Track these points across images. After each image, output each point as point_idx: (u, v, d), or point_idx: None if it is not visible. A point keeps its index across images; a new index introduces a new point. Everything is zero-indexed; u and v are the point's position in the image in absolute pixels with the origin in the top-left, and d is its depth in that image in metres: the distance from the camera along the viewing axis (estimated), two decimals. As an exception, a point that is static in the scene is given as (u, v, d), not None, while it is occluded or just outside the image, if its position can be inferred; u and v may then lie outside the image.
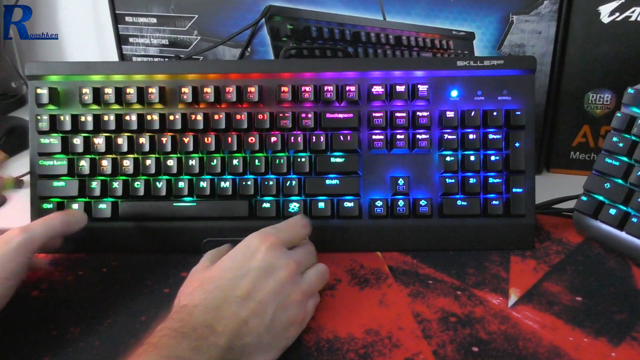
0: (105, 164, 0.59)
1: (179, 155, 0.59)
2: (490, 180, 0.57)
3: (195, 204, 0.58)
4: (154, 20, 0.79)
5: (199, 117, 0.58)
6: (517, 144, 0.57)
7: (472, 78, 0.58)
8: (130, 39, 0.81)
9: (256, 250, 0.46)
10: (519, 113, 0.57)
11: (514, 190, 0.57)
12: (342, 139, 0.58)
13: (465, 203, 0.57)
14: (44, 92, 0.59)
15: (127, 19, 0.79)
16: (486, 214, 0.58)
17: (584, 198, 0.58)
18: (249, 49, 0.78)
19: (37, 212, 0.59)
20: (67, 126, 0.59)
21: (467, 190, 0.57)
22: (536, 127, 0.61)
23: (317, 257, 0.51)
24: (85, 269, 0.57)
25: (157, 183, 0.59)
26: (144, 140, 0.59)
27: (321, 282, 0.49)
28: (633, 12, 0.65)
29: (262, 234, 0.48)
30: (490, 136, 0.57)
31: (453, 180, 0.57)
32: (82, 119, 0.59)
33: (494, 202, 0.57)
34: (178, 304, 0.44)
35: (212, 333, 0.40)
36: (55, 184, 0.59)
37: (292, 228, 0.50)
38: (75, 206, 0.59)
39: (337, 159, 0.58)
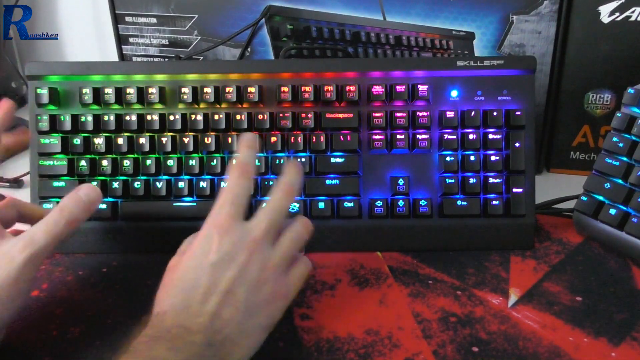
0: (105, 163, 0.59)
1: (179, 155, 0.59)
2: (490, 180, 0.57)
3: (195, 204, 0.58)
4: (154, 20, 0.79)
5: (199, 117, 0.58)
6: (517, 144, 0.57)
7: (472, 78, 0.58)
8: (130, 39, 0.81)
9: (210, 241, 0.43)
10: (519, 113, 0.57)
11: (514, 190, 0.57)
12: (342, 139, 0.58)
13: (465, 203, 0.57)
14: (44, 92, 0.59)
15: (127, 19, 0.79)
16: (486, 214, 0.58)
17: (584, 198, 0.58)
18: (249, 49, 0.78)
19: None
20: (67, 126, 0.59)
21: (467, 190, 0.57)
22: (536, 127, 0.61)
23: (306, 231, 0.47)
24: (85, 269, 0.57)
25: (157, 183, 0.59)
26: (144, 140, 0.59)
27: (298, 244, 0.46)
28: (633, 12, 0.65)
29: (214, 218, 0.44)
30: (490, 136, 0.57)
31: (453, 180, 0.57)
32: (82, 119, 0.59)
33: (494, 202, 0.57)
34: (152, 312, 0.42)
35: (187, 332, 0.39)
36: (55, 184, 0.59)
37: (233, 189, 0.45)
38: None
39: (337, 159, 0.58)
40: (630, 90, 0.56)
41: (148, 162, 0.58)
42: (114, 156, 0.59)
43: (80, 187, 0.48)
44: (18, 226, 0.52)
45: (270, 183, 0.58)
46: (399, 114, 0.58)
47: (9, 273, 0.43)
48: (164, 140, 0.58)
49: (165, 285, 0.43)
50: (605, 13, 0.65)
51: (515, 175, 0.57)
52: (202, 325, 0.40)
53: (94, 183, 0.59)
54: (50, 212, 0.46)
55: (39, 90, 0.59)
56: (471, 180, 0.57)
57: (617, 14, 0.65)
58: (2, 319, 0.43)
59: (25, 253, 0.43)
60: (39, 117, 0.59)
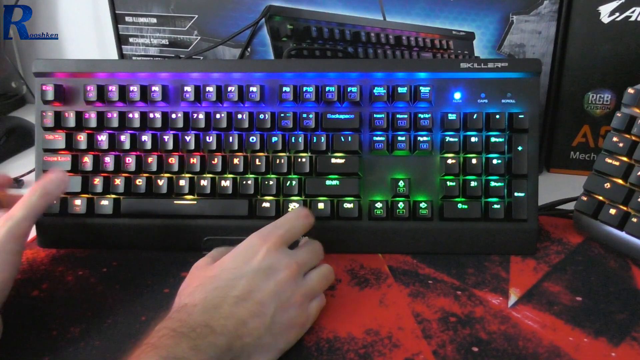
0: (108, 160, 0.59)
1: (180, 153, 0.59)
2: (492, 183, 0.57)
3: (195, 202, 0.58)
4: (154, 20, 0.79)
5: (201, 116, 0.58)
6: (519, 148, 0.57)
7: (475, 80, 0.58)
8: (130, 39, 0.81)
9: (257, 250, 0.46)
10: (522, 116, 0.57)
11: (515, 194, 0.57)
12: (343, 139, 0.58)
13: (466, 206, 0.57)
14: (49, 89, 0.59)
15: (127, 19, 0.79)
16: (487, 218, 0.57)
17: (584, 198, 0.58)
18: (249, 49, 0.78)
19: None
20: (72, 123, 0.59)
21: (468, 193, 0.57)
22: (536, 127, 0.61)
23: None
24: (85, 269, 0.57)
25: (159, 181, 0.59)
26: (146, 138, 0.59)
27: (324, 284, 0.49)
28: (633, 12, 0.65)
29: (264, 233, 0.48)
30: (493, 139, 0.57)
31: (454, 183, 0.57)
32: (86, 115, 0.59)
33: (495, 206, 0.57)
34: (179, 303, 0.44)
35: (211, 333, 0.40)
36: None
37: (292, 222, 0.50)
38: (77, 202, 0.59)
39: (337, 160, 0.58)
40: (630, 90, 0.57)
41: (150, 159, 0.59)
42: (117, 153, 0.59)
43: (50, 169, 0.54)
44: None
45: (270, 183, 0.58)
46: (400, 116, 0.57)
47: None
48: (166, 138, 0.59)
49: (198, 279, 0.45)
50: (605, 13, 0.66)
51: (518, 179, 0.57)
52: (227, 329, 0.41)
53: (97, 180, 0.59)
54: (25, 194, 0.50)
55: (44, 87, 0.59)
56: (472, 184, 0.57)
57: (617, 14, 0.65)
58: None
59: (6, 226, 0.47)
60: (44, 114, 0.59)
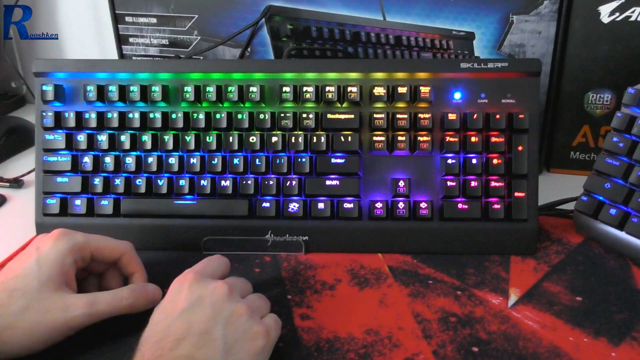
0: (108, 160, 0.59)
1: (180, 153, 0.59)
2: (492, 183, 0.57)
3: (195, 202, 0.58)
4: (154, 20, 0.79)
5: (201, 116, 0.58)
6: (519, 148, 0.57)
7: (475, 80, 0.58)
8: (130, 39, 0.81)
9: (179, 290, 0.43)
10: (522, 116, 0.57)
11: (516, 194, 0.57)
12: (343, 139, 0.58)
13: (466, 206, 0.57)
14: (49, 88, 0.59)
15: (127, 19, 0.79)
16: (487, 218, 0.57)
17: (584, 198, 0.58)
18: (249, 49, 0.78)
19: (40, 207, 0.60)
20: (72, 123, 0.59)
21: (468, 193, 0.57)
22: (536, 127, 0.61)
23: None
24: (86, 269, 0.57)
25: (159, 181, 0.59)
26: (146, 138, 0.59)
27: (265, 303, 0.47)
28: (633, 12, 0.65)
29: (181, 275, 0.45)
30: (493, 139, 0.57)
31: (454, 183, 0.57)
32: (86, 115, 0.59)
33: (496, 206, 0.57)
34: None
35: None
36: (59, 179, 0.59)
37: (210, 262, 0.48)
38: (77, 202, 0.59)
39: (337, 160, 0.58)
40: (630, 90, 0.57)
41: (150, 159, 0.59)
42: (117, 153, 0.59)
43: (149, 285, 0.50)
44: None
45: (270, 183, 0.58)
46: (400, 116, 0.57)
47: (57, 320, 0.44)
48: (166, 138, 0.59)
49: (141, 344, 0.41)
50: (605, 13, 0.66)
51: (518, 179, 0.57)
52: None
53: (97, 180, 0.59)
54: (121, 289, 0.48)
55: (44, 87, 0.59)
56: (472, 184, 0.57)
57: (617, 14, 0.65)
58: (27, 351, 0.44)
59: (80, 311, 0.45)
60: (44, 114, 0.59)
